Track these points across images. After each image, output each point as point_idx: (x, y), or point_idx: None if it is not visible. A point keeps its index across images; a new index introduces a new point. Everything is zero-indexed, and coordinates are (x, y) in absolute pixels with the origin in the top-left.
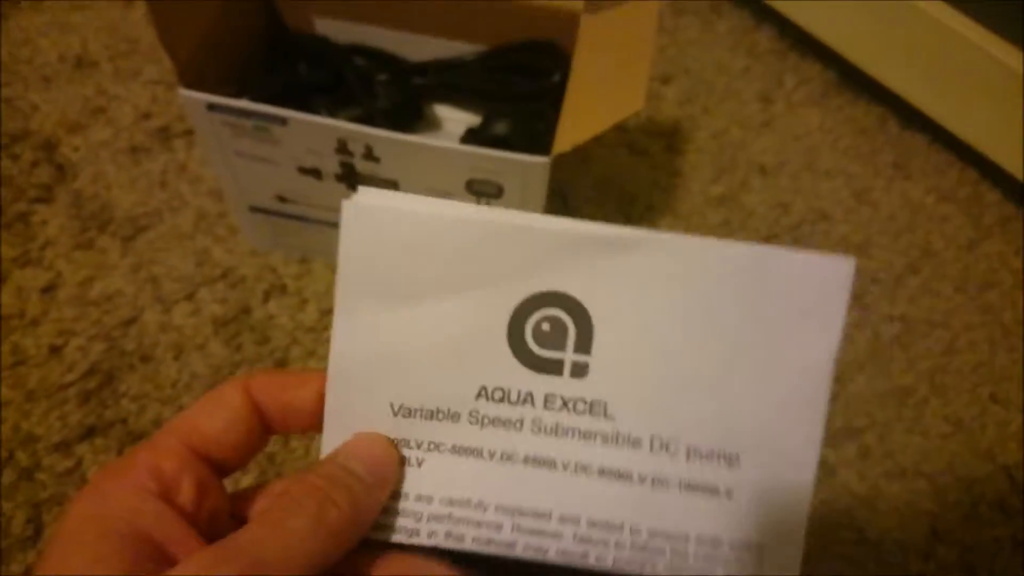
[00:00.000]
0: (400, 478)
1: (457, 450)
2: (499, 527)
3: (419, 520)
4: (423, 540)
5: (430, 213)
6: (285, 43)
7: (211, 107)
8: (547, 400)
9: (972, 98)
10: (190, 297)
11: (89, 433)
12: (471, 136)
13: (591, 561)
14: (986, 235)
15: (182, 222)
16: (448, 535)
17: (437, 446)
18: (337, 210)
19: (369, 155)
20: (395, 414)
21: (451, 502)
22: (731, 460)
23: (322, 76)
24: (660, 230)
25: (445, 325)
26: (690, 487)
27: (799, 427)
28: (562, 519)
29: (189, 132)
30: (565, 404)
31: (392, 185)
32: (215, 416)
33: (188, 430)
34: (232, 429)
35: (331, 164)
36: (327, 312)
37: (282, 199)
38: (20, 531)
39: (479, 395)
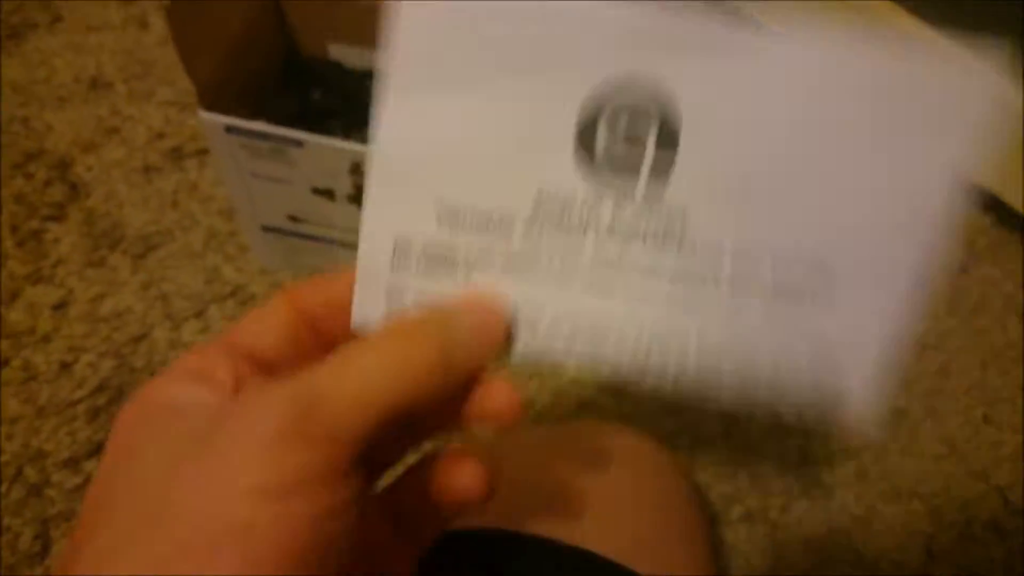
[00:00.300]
0: (508, 337)
1: (509, 264)
2: (553, 342)
3: None
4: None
5: None
6: (300, 67)
7: (229, 129)
8: (617, 205)
9: None
10: (200, 315)
11: (98, 449)
12: None
13: (652, 379)
14: (978, 259)
15: (193, 240)
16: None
17: (487, 259)
18: (349, 230)
19: None
20: (442, 217)
21: None
22: (823, 271)
23: (336, 100)
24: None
25: (504, 115)
26: (774, 298)
27: (906, 247)
28: (623, 331)
29: (201, 152)
30: (638, 211)
31: None
32: (260, 325)
33: (231, 339)
34: (275, 334)
35: (345, 185)
36: None
37: (295, 219)
38: (28, 547)
39: (538, 201)
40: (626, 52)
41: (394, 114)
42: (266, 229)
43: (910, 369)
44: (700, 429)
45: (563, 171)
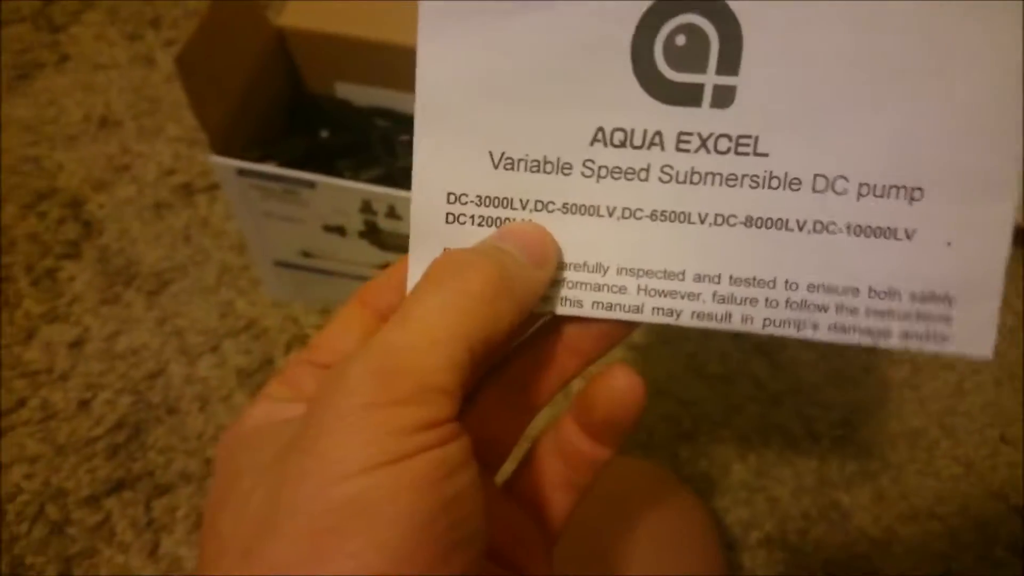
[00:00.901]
0: (559, 260)
1: (570, 208)
2: (623, 290)
3: None
4: (537, 307)
5: None
6: (308, 107)
7: (241, 172)
8: (680, 139)
9: None
10: (214, 349)
11: (118, 487)
12: None
13: (736, 322)
14: None
15: (206, 275)
16: (564, 300)
17: (546, 205)
18: (360, 264)
19: (392, 214)
20: (496, 165)
21: (565, 266)
22: (913, 195)
23: (345, 138)
24: None
25: (552, 43)
26: (862, 230)
27: (990, 145)
28: (699, 277)
29: (211, 188)
30: (704, 143)
31: None
32: (343, 335)
33: (312, 354)
34: (355, 337)
35: (355, 222)
36: None
37: (307, 254)
38: None
39: (595, 139)
40: None
41: (432, 51)
42: (278, 264)
43: (925, 388)
44: (715, 454)
45: (621, 103)
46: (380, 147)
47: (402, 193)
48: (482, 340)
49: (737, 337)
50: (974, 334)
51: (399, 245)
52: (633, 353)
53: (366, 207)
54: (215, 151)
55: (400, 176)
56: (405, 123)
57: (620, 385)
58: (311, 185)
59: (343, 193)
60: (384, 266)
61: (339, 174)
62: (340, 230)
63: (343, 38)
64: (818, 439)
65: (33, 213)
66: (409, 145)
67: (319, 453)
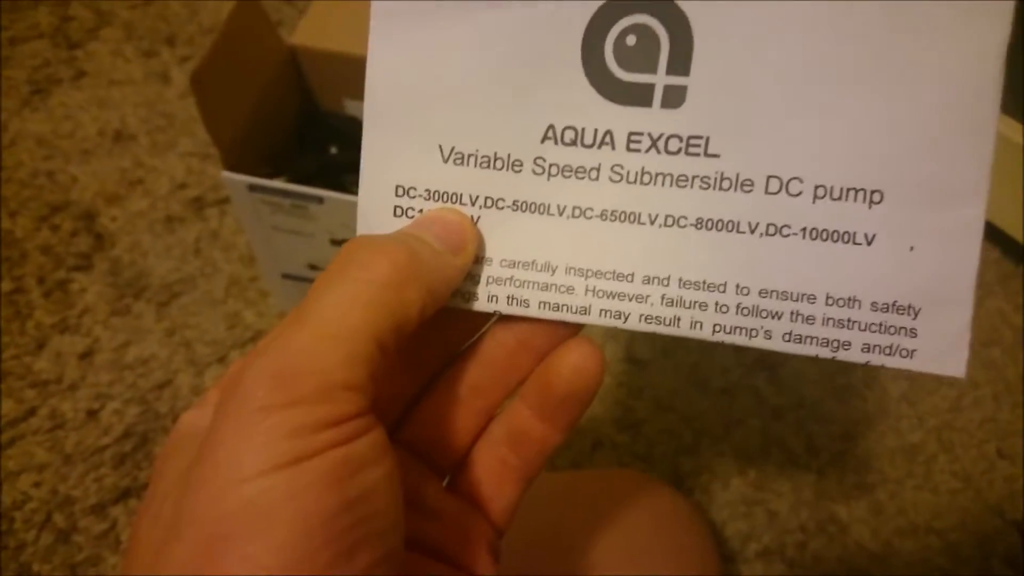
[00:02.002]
0: (480, 247)
1: (519, 206)
2: (570, 290)
3: (475, 283)
4: (482, 305)
5: None
6: (318, 124)
7: (252, 188)
8: (631, 139)
9: None
10: (222, 360)
11: (124, 495)
12: None
13: (684, 328)
14: (987, 293)
15: (215, 287)
16: (511, 299)
17: (495, 201)
18: None
19: None
20: (445, 160)
21: (513, 264)
22: (872, 198)
23: (354, 155)
24: None
25: (503, 42)
26: (818, 234)
27: (963, 147)
28: (648, 279)
29: (221, 201)
30: (654, 143)
31: None
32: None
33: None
34: None
35: None
36: None
37: (314, 267)
38: None
39: (546, 137)
40: None
41: (382, 48)
42: (286, 277)
43: (923, 403)
44: (715, 467)
45: (571, 102)
46: None
47: None
48: (391, 329)
49: (739, 351)
50: (942, 349)
51: None
52: (634, 367)
53: None
54: (227, 167)
55: None
56: None
57: (580, 357)
58: (320, 200)
59: (350, 208)
60: None
61: (347, 189)
62: None
63: (353, 57)
64: (817, 453)
65: (46, 226)
66: None
67: (216, 460)
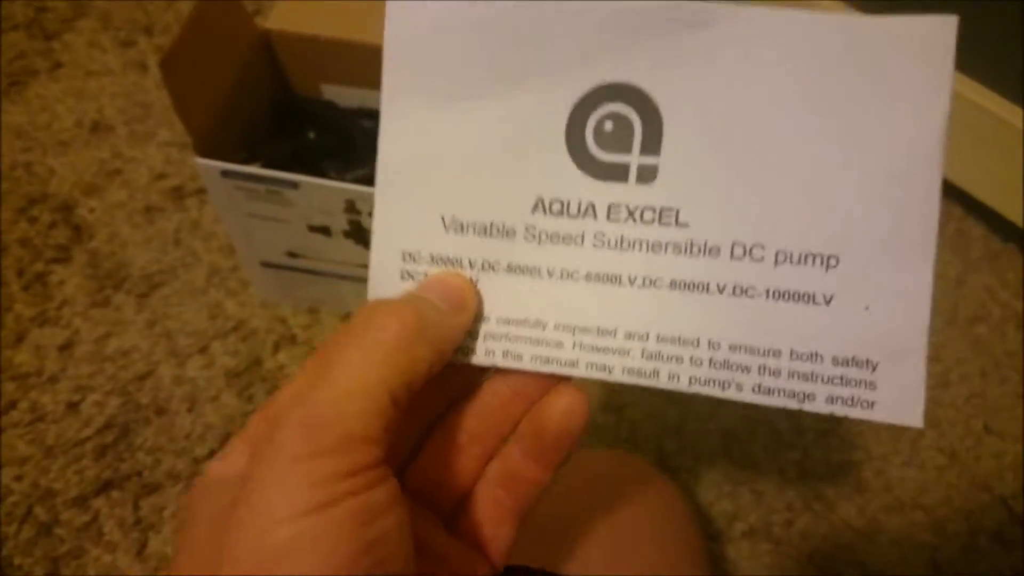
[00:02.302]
0: (479, 306)
1: (513, 269)
2: (559, 345)
3: (474, 339)
4: (480, 359)
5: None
6: (294, 108)
7: (225, 174)
8: (611, 210)
9: (959, 143)
10: (203, 350)
11: (105, 487)
12: None
13: (663, 380)
14: (974, 269)
15: (195, 278)
16: (506, 354)
17: (492, 265)
18: (345, 264)
19: None
20: (447, 228)
21: (508, 321)
22: (828, 262)
23: (330, 139)
24: (734, 2)
25: (498, 126)
26: (780, 295)
27: (910, 213)
28: (629, 335)
29: (201, 191)
30: (631, 214)
31: None
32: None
33: (272, 407)
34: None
35: (340, 222)
36: None
37: (292, 255)
38: None
39: (536, 207)
40: (606, 50)
41: (392, 126)
42: (265, 265)
43: None
44: (700, 448)
45: (557, 178)
46: (365, 147)
47: None
48: (403, 385)
49: None
50: (901, 399)
51: None
52: None
53: (350, 207)
54: (200, 153)
55: None
56: None
57: (568, 401)
58: (295, 186)
59: (327, 193)
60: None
61: (325, 175)
62: (325, 230)
63: (328, 40)
64: (802, 432)
65: (24, 218)
66: None
67: (253, 504)
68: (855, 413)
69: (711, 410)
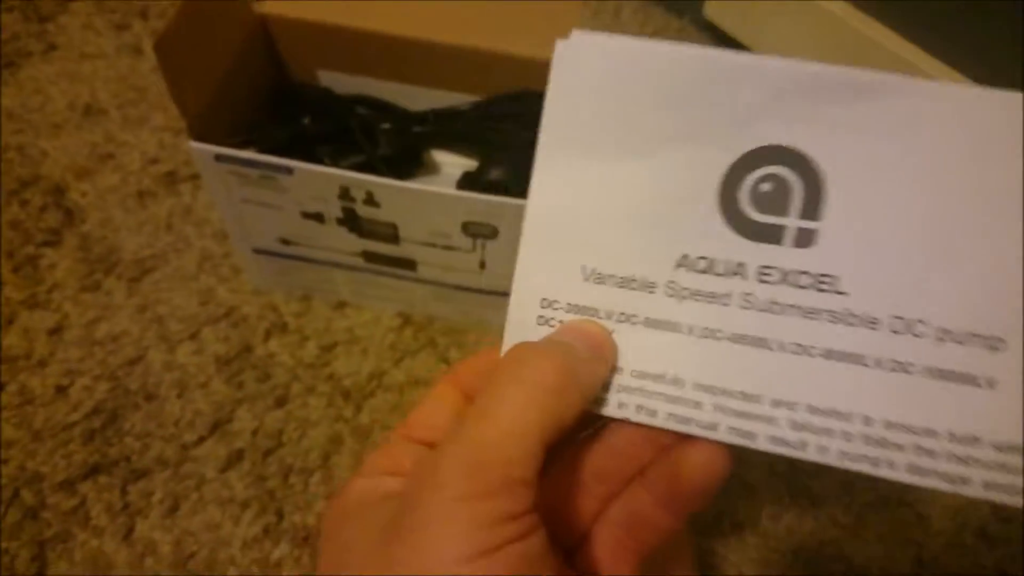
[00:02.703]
0: (616, 355)
1: (651, 323)
2: (698, 405)
3: (608, 390)
4: (611, 411)
5: (644, 50)
6: (291, 94)
7: (219, 158)
8: (762, 272)
9: None
10: (194, 336)
11: (93, 471)
12: (467, 180)
13: (811, 452)
14: None
15: (187, 263)
16: (640, 409)
17: (629, 317)
18: (338, 251)
19: (370, 200)
20: (586, 279)
21: (643, 375)
22: (993, 344)
23: (326, 126)
24: (905, 74)
25: (650, 181)
26: (941, 375)
27: None
28: (776, 403)
29: (194, 176)
30: (785, 277)
31: (392, 227)
32: (436, 413)
33: (409, 430)
34: (447, 417)
35: (334, 209)
36: (327, 349)
37: (285, 241)
38: (24, 569)
39: (680, 264)
40: (772, 110)
41: (545, 177)
42: (258, 251)
43: None
44: None
45: (706, 236)
46: (361, 135)
47: (380, 180)
48: (554, 430)
49: None
50: None
51: (377, 232)
52: None
53: (344, 193)
54: (194, 138)
55: (380, 164)
56: (386, 111)
57: (710, 454)
58: (289, 171)
59: (321, 179)
60: (362, 253)
61: (320, 161)
62: (318, 217)
63: (326, 26)
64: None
65: (16, 200)
66: (389, 133)
67: (417, 545)
68: (1012, 501)
69: None
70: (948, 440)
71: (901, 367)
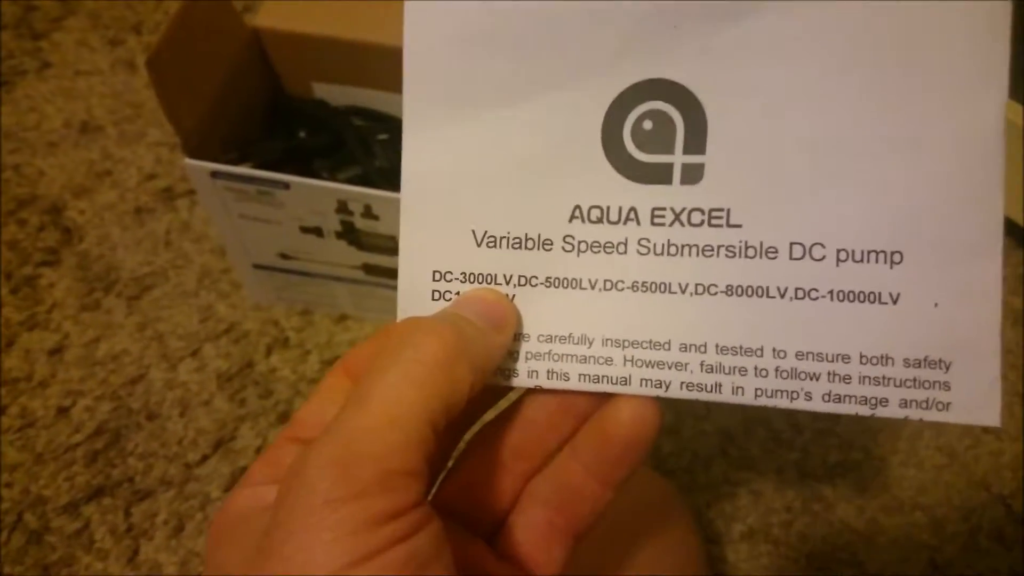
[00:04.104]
0: (519, 323)
1: (552, 282)
2: (608, 361)
3: (515, 360)
4: (522, 380)
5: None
6: (285, 107)
7: (215, 175)
8: (655, 214)
9: None
10: (195, 353)
11: (97, 493)
12: None
13: (727, 393)
14: None
15: (186, 280)
16: (551, 374)
17: (529, 279)
18: (338, 265)
19: (368, 213)
20: (479, 243)
21: (550, 338)
22: (892, 259)
23: (322, 139)
24: None
25: (527, 133)
26: (845, 295)
27: (974, 204)
28: (685, 347)
29: (192, 192)
30: (678, 217)
31: (392, 240)
32: (325, 409)
33: (295, 429)
34: (338, 406)
35: (332, 223)
36: (328, 363)
37: (285, 256)
38: None
39: (573, 216)
40: (642, 46)
41: (416, 142)
42: (257, 267)
43: None
44: (698, 449)
45: (595, 184)
46: (357, 147)
47: (378, 192)
48: (442, 410)
49: None
50: (977, 399)
51: (377, 245)
52: None
53: (342, 207)
54: (189, 154)
55: (377, 176)
56: (382, 122)
57: (637, 404)
58: (285, 186)
59: (318, 193)
60: (362, 266)
61: (317, 174)
62: (317, 231)
63: (319, 38)
64: (800, 431)
65: (13, 220)
66: (385, 144)
67: (287, 558)
68: (931, 416)
69: (708, 410)
70: (860, 363)
71: (805, 294)
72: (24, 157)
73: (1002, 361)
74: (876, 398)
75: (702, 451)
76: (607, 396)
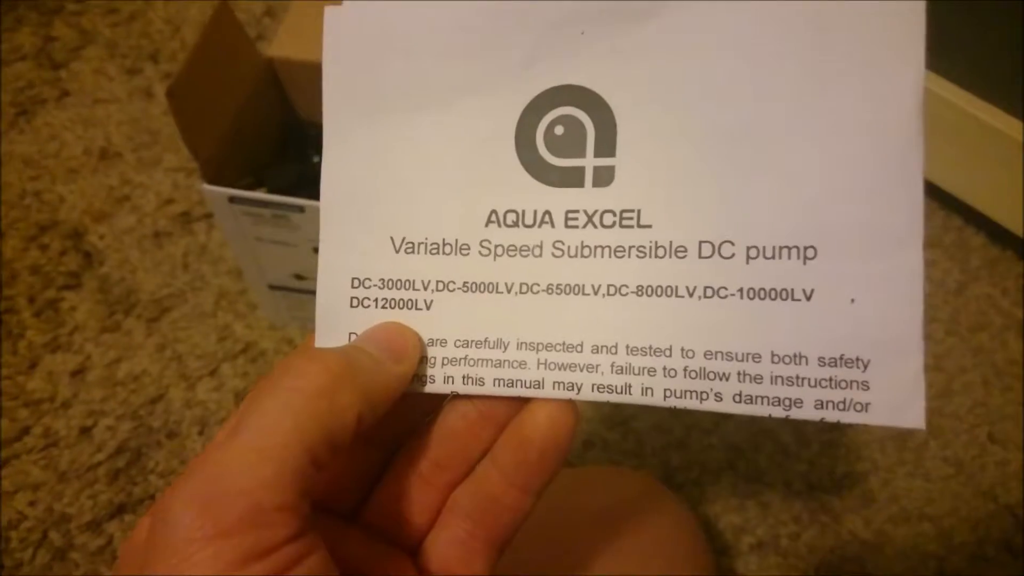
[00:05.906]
0: (421, 347)
1: (469, 287)
2: (522, 365)
3: (432, 366)
4: (438, 387)
5: (410, 8)
6: (298, 133)
7: (232, 199)
8: (568, 217)
9: (959, 155)
10: (213, 373)
11: (119, 511)
12: None
13: (636, 395)
14: (974, 278)
15: (204, 301)
16: (466, 379)
17: (446, 284)
18: None
19: None
20: (397, 250)
21: (467, 343)
22: (805, 254)
23: None
24: None
25: (443, 139)
26: (756, 293)
27: (891, 195)
28: (596, 348)
29: (208, 215)
30: (590, 219)
31: None
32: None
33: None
34: None
35: None
36: None
37: (299, 277)
38: None
39: (489, 221)
40: (550, 52)
41: (335, 150)
42: (273, 287)
43: None
44: (706, 461)
45: (510, 188)
46: None
47: None
48: (323, 439)
49: None
50: (898, 399)
51: None
52: None
53: None
54: (207, 180)
55: None
56: None
57: (554, 408)
58: (300, 210)
59: None
60: None
61: None
62: None
63: None
64: (807, 443)
65: (35, 246)
66: None
67: None
68: (848, 418)
69: (716, 423)
70: (772, 362)
71: (715, 292)
72: (45, 184)
73: (926, 360)
74: (790, 399)
75: (711, 464)
76: (523, 401)
